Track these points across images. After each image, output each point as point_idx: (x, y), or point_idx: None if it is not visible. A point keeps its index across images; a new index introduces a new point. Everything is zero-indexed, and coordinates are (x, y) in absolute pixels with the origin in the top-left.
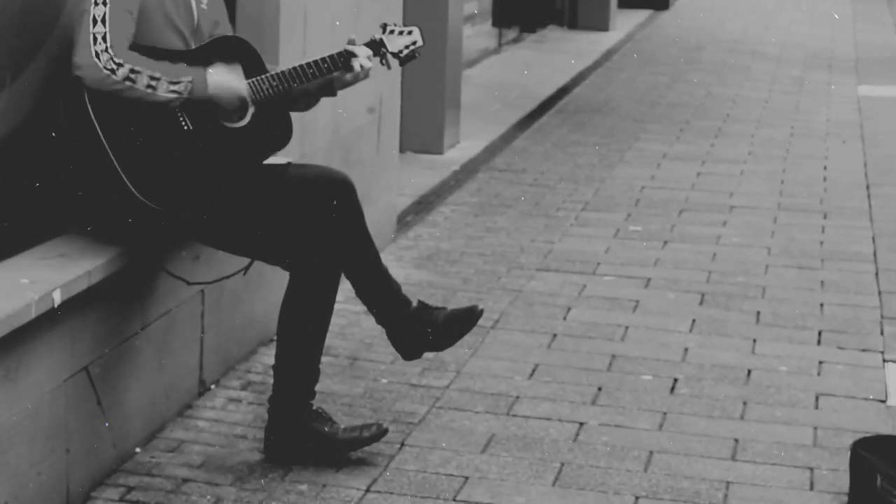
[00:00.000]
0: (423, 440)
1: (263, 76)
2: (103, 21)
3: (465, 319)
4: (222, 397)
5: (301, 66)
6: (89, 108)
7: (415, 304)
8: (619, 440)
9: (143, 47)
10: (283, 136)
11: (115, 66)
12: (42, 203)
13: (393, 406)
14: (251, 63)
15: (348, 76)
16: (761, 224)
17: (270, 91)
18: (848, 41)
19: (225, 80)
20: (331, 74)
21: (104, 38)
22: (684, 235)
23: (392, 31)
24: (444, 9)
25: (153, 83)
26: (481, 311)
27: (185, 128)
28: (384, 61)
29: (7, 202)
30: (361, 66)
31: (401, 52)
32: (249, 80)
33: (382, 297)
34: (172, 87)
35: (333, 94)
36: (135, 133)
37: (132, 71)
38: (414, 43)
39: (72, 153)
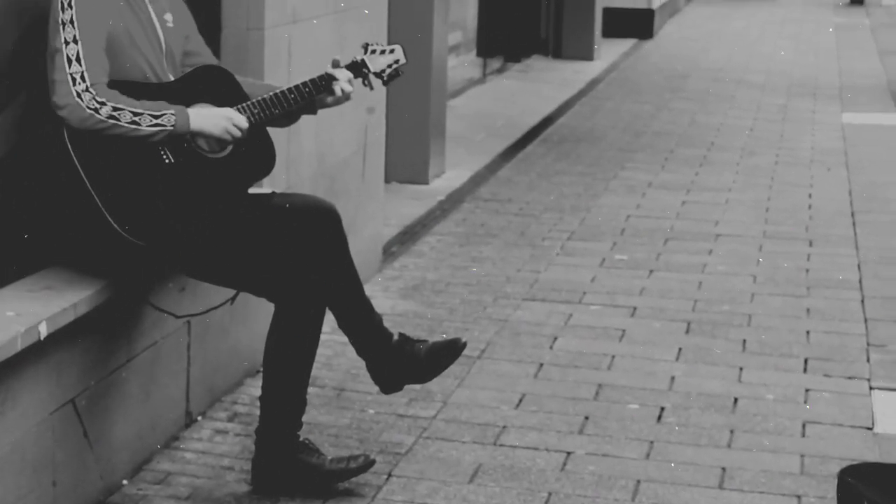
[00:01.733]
0: (411, 470)
1: (244, 105)
2: (78, 60)
3: (448, 352)
4: (209, 429)
5: (283, 91)
6: (68, 143)
7: (396, 336)
8: (607, 469)
9: (122, 83)
10: (265, 164)
11: (97, 105)
12: (28, 235)
13: (380, 436)
14: (231, 91)
15: (329, 99)
16: (747, 252)
17: (252, 119)
18: (832, 69)
19: (207, 113)
20: (312, 98)
21: (83, 78)
22: (670, 264)
23: (374, 51)
24: (428, 39)
25: (137, 118)
26: (464, 344)
27: (167, 161)
28: (366, 82)
29: None
30: (342, 90)
31: (383, 71)
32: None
33: (364, 329)
34: (155, 122)
35: (314, 112)
36: (115, 168)
37: (115, 108)
38: (397, 61)
39: (53, 189)
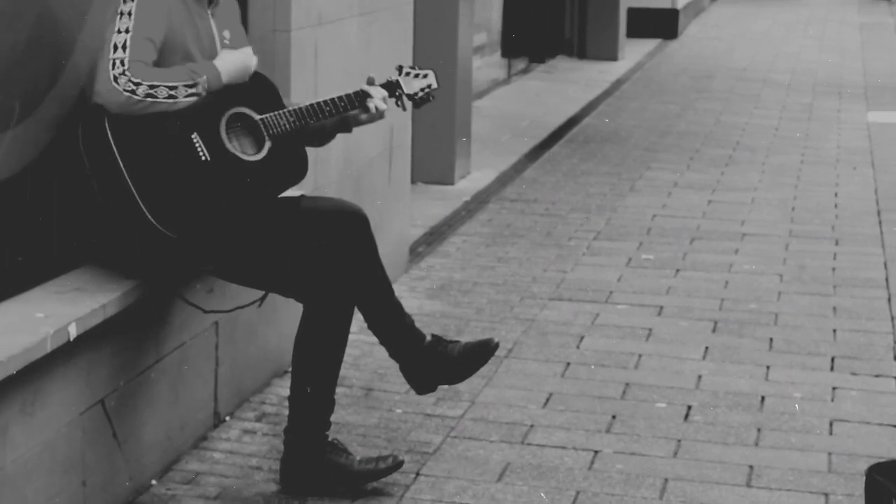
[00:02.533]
0: (439, 470)
1: (281, 112)
2: (123, 47)
3: (480, 353)
4: (237, 429)
5: (318, 103)
6: (110, 138)
7: (429, 337)
8: (634, 468)
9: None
10: (298, 171)
11: (133, 87)
12: (57, 236)
13: (408, 436)
14: (269, 98)
15: (364, 116)
16: (773, 251)
17: (288, 126)
18: (857, 68)
19: (232, 62)
20: (346, 113)
21: (122, 63)
22: (696, 263)
23: (408, 74)
24: (453, 40)
25: (173, 92)
26: (497, 345)
27: (203, 158)
28: (399, 102)
29: (23, 236)
30: (376, 108)
31: (416, 94)
32: (265, 116)
33: (395, 330)
34: (191, 91)
35: (349, 130)
36: (153, 163)
37: (151, 87)
38: (429, 86)
39: (91, 184)
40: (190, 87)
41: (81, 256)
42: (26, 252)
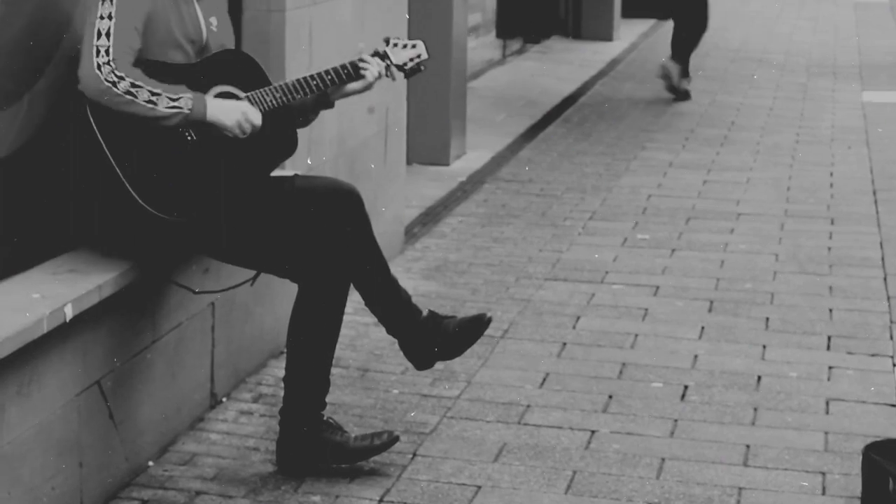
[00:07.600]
0: (435, 450)
1: (266, 88)
2: (107, 35)
3: (474, 327)
4: (234, 410)
5: (304, 77)
6: (92, 121)
7: (425, 313)
8: (631, 447)
9: (146, 61)
10: (287, 147)
11: (115, 80)
12: (53, 218)
13: (404, 416)
14: (254, 77)
15: (351, 85)
16: (768, 231)
17: (274, 102)
18: (851, 48)
19: (222, 108)
20: (334, 86)
21: (107, 52)
22: (692, 243)
23: (396, 45)
24: (448, 20)
25: (154, 98)
26: (489, 319)
27: (189, 139)
28: (388, 73)
29: (18, 217)
30: (376, 73)
31: (405, 64)
32: (250, 93)
33: (392, 307)
34: (172, 104)
35: (331, 105)
36: (138, 144)
37: (133, 85)
38: (418, 56)
39: (78, 167)
40: (173, 99)
41: (78, 238)
42: (22, 233)
